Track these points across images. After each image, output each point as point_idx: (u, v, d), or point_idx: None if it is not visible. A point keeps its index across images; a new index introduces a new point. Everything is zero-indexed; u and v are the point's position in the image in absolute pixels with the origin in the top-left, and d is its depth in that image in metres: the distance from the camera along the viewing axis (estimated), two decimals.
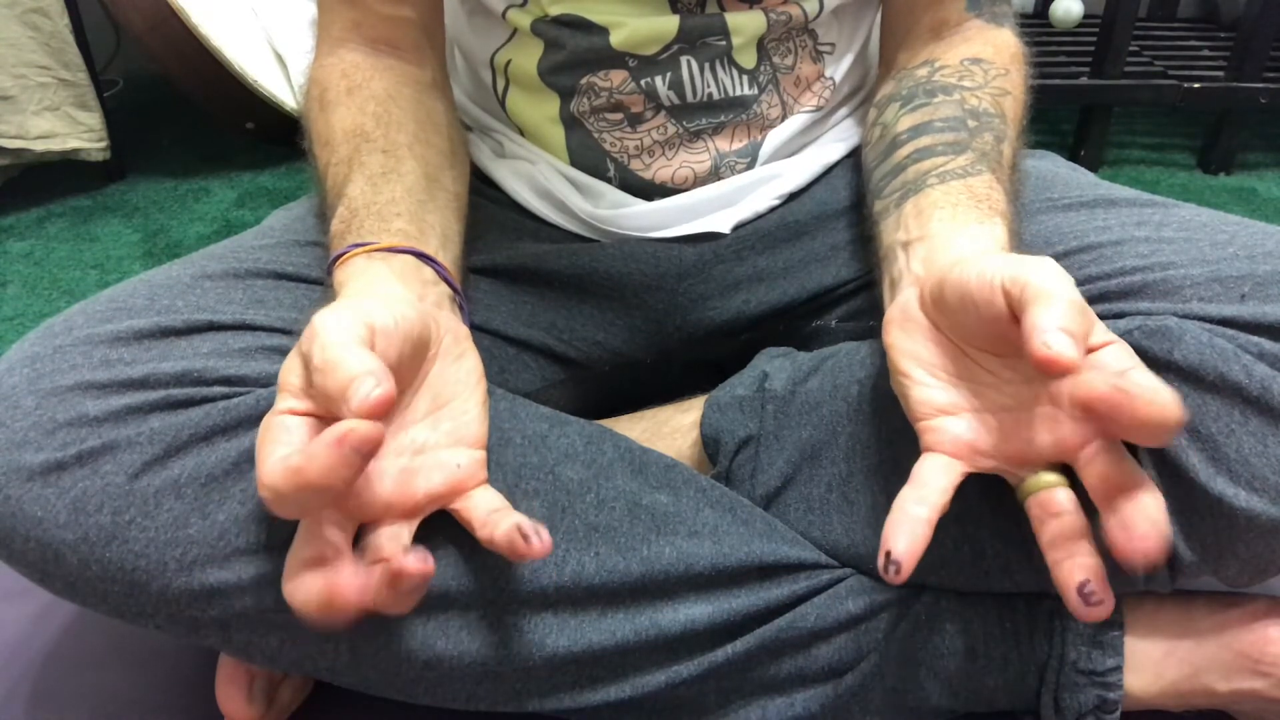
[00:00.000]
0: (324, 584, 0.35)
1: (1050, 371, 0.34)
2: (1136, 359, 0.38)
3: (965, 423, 0.42)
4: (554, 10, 0.56)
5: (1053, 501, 0.39)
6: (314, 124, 0.56)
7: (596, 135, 0.60)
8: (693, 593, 0.48)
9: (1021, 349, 0.35)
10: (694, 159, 0.60)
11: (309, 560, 0.37)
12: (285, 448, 0.36)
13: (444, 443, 0.43)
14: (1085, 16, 1.52)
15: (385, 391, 0.34)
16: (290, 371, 0.39)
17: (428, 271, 0.48)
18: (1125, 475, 0.37)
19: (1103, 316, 0.40)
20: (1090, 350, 0.38)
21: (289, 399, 0.38)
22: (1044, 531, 0.39)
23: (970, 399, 0.42)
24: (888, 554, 0.39)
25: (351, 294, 0.44)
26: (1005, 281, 0.38)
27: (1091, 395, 0.34)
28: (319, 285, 0.52)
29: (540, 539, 0.38)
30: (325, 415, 0.38)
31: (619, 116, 0.59)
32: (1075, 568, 0.37)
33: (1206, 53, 1.47)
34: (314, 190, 0.58)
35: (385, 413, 0.34)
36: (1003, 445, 0.41)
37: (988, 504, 0.47)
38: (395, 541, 0.40)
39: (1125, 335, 0.41)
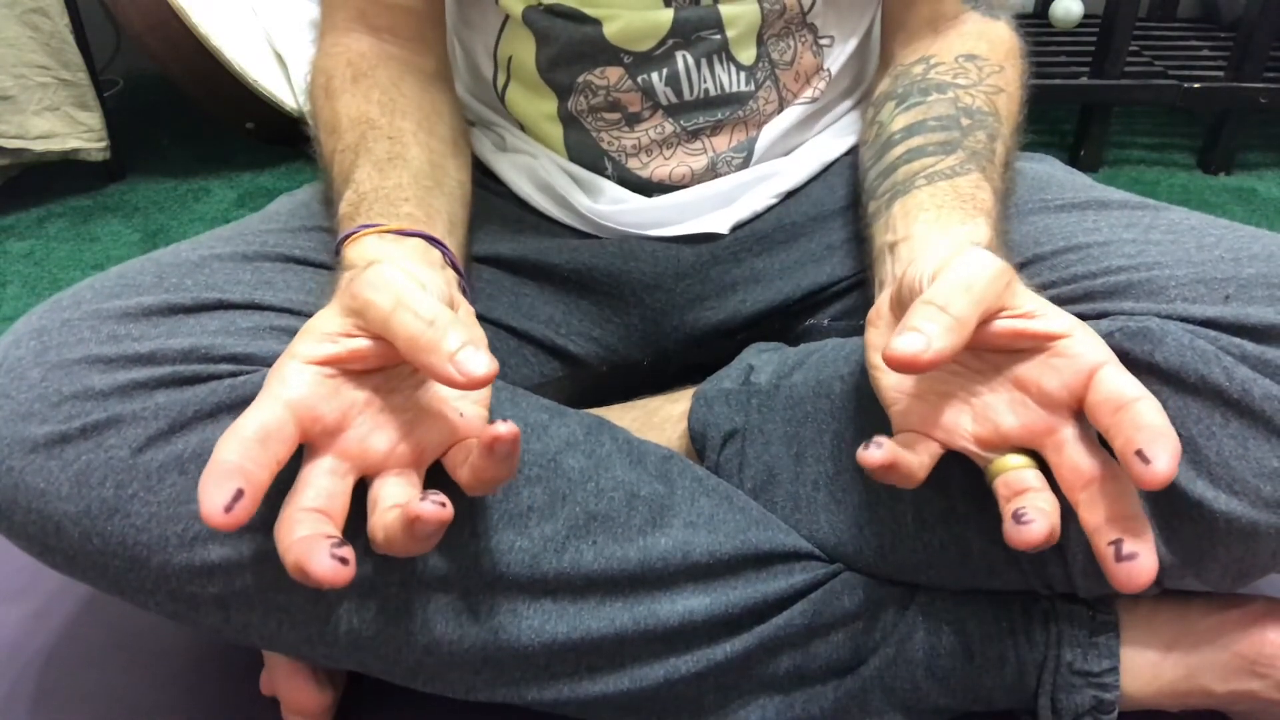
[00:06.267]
0: (296, 559, 0.35)
1: (902, 371, 0.36)
2: (1103, 344, 0.39)
3: (932, 404, 0.42)
4: None
5: (1020, 481, 0.40)
6: (319, 111, 0.56)
7: (594, 134, 0.60)
8: (690, 583, 0.48)
9: (981, 342, 0.39)
10: (691, 158, 0.60)
11: (305, 509, 0.37)
12: (275, 400, 0.37)
13: (452, 396, 0.43)
14: (1085, 16, 1.52)
15: (495, 367, 0.36)
16: (326, 316, 0.39)
17: (435, 255, 0.48)
18: (1097, 467, 0.38)
19: (1086, 316, 0.40)
20: (1049, 337, 0.39)
21: (310, 343, 0.38)
22: (1009, 507, 0.39)
23: (939, 384, 0.42)
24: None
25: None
26: (931, 280, 0.39)
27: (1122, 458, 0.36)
28: (326, 269, 0.52)
29: (507, 424, 0.37)
30: (352, 362, 0.39)
31: (616, 116, 0.59)
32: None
33: (1206, 53, 1.47)
34: (317, 181, 0.58)
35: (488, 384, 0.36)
36: (971, 427, 0.41)
37: (974, 504, 0.47)
38: (403, 490, 0.40)
39: (1107, 337, 0.41)
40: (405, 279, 0.39)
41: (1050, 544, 0.37)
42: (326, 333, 0.39)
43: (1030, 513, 0.37)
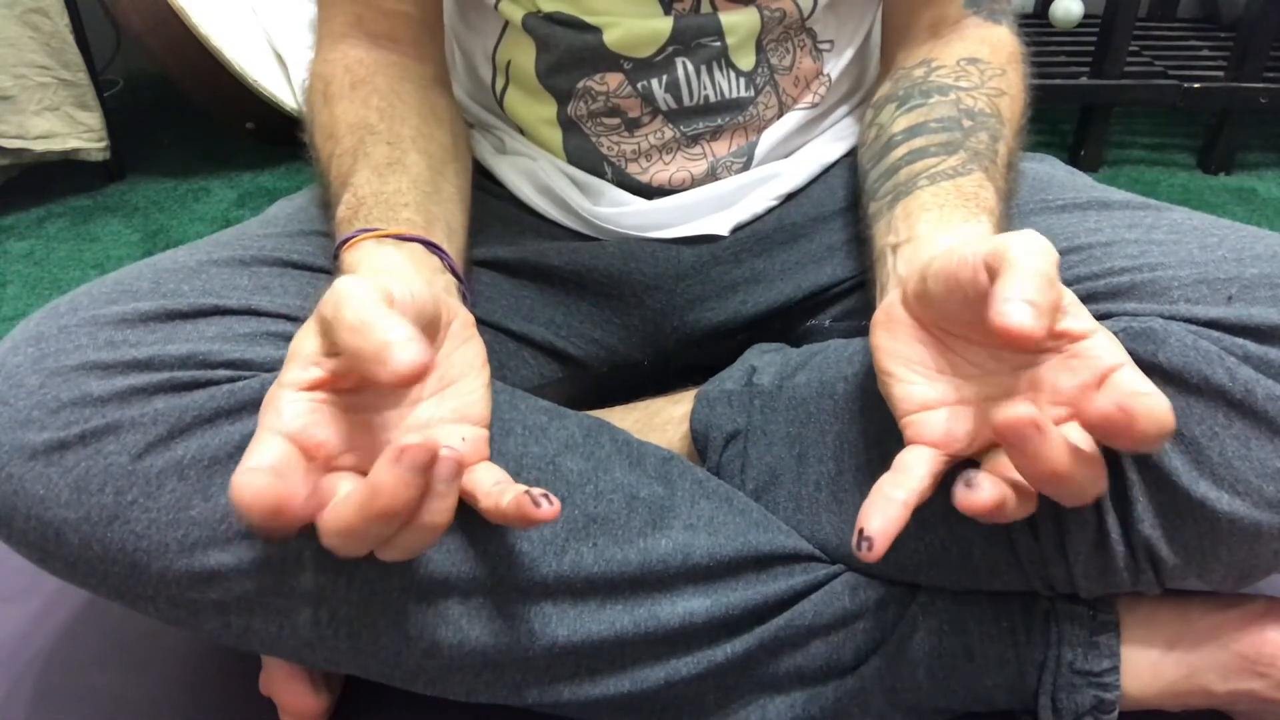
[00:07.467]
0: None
1: (1008, 342, 0.33)
2: (1121, 349, 0.38)
3: (947, 414, 0.41)
4: (546, 6, 0.56)
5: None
6: (317, 117, 0.56)
7: (594, 139, 0.60)
8: (690, 585, 0.48)
9: None
10: (691, 163, 0.60)
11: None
12: (274, 435, 0.36)
13: (449, 419, 0.43)
14: (1085, 16, 1.52)
15: (423, 357, 0.33)
16: (304, 338, 0.38)
17: (435, 260, 0.48)
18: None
19: None
20: (1073, 337, 0.38)
21: (296, 369, 0.38)
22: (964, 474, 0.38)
23: (953, 392, 0.42)
24: (860, 531, 0.38)
25: (365, 273, 0.43)
26: (986, 258, 0.37)
27: (1098, 416, 0.33)
28: (324, 274, 0.52)
29: (550, 503, 0.37)
30: (339, 382, 0.38)
31: (616, 121, 0.59)
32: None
33: (1206, 53, 1.47)
34: (316, 184, 0.58)
35: (420, 378, 0.33)
36: (984, 433, 0.41)
37: None
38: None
39: None
40: (361, 290, 0.36)
41: (1002, 514, 0.37)
42: (307, 355, 0.38)
43: (980, 479, 0.36)
